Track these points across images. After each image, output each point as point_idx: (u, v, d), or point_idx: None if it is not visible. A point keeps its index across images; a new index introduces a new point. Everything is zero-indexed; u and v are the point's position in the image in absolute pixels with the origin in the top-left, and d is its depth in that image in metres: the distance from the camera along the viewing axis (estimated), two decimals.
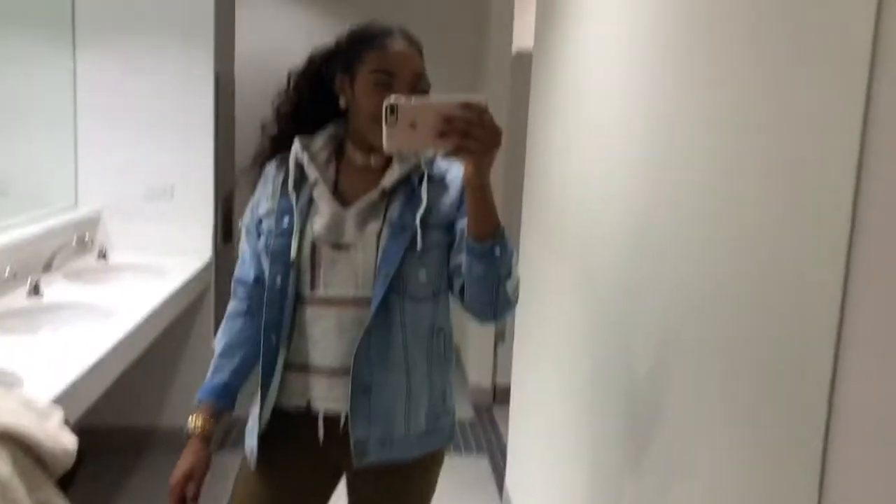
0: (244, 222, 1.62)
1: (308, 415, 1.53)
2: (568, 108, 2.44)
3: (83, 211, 3.37)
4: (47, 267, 2.93)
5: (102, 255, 3.29)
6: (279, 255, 1.49)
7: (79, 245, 3.18)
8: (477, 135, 1.22)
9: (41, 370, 1.84)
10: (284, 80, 1.58)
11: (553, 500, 2.40)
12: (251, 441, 1.57)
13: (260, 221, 1.56)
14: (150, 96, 3.40)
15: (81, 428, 1.57)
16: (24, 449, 1.42)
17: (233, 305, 1.65)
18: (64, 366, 1.89)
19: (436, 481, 1.65)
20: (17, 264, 2.61)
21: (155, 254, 3.40)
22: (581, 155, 2.23)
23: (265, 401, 1.52)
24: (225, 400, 1.60)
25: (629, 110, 1.79)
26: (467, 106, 1.22)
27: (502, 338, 4.48)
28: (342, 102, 1.51)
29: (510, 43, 4.31)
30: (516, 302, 1.47)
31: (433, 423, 1.57)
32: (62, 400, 1.71)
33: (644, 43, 1.72)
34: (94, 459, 3.33)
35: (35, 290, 2.55)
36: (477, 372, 4.53)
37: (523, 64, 4.00)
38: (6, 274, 2.36)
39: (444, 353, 1.58)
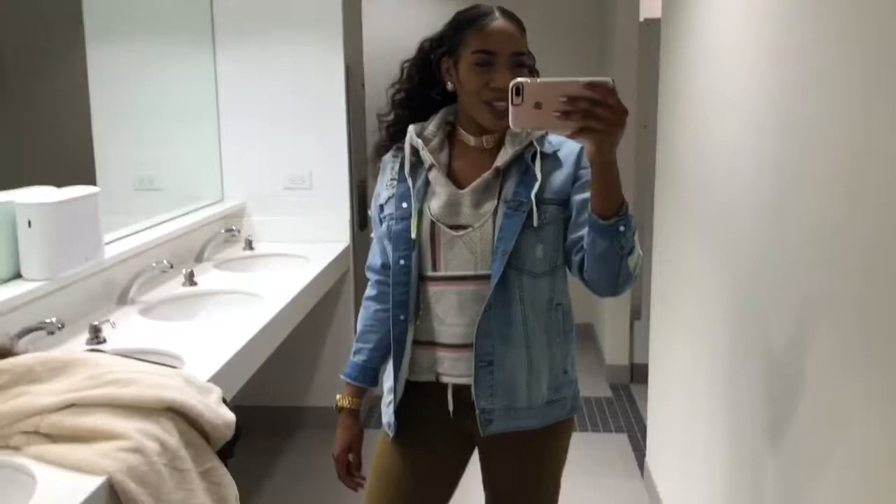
0: (371, 213, 1.70)
1: (438, 387, 1.58)
2: (700, 76, 2.38)
3: (229, 204, 3.57)
4: (199, 257, 3.13)
5: (249, 244, 3.47)
6: (400, 238, 1.55)
7: (227, 236, 3.38)
8: (601, 115, 1.22)
9: (199, 352, 1.98)
10: (398, 70, 1.63)
11: (694, 477, 2.36)
12: (388, 414, 1.64)
13: (381, 209, 1.63)
14: (286, 91, 3.56)
15: (236, 407, 1.68)
16: (189, 422, 1.53)
17: (367, 292, 1.75)
18: (219, 348, 2.02)
19: (565, 451, 1.68)
20: (173, 256, 2.81)
21: (296, 242, 3.56)
22: (719, 126, 2.17)
23: (398, 375, 1.59)
24: (366, 378, 1.72)
25: (765, 77, 1.73)
26: (592, 86, 1.22)
27: (638, 316, 4.41)
28: (449, 86, 1.56)
29: (637, 11, 4.21)
30: (637, 277, 1.46)
31: (555, 393, 1.60)
32: (218, 379, 1.83)
33: (777, 6, 1.65)
34: (247, 439, 3.53)
35: (190, 279, 2.72)
36: (613, 351, 4.48)
37: (651, 32, 3.90)
38: (164, 264, 2.53)
39: (563, 327, 1.60)
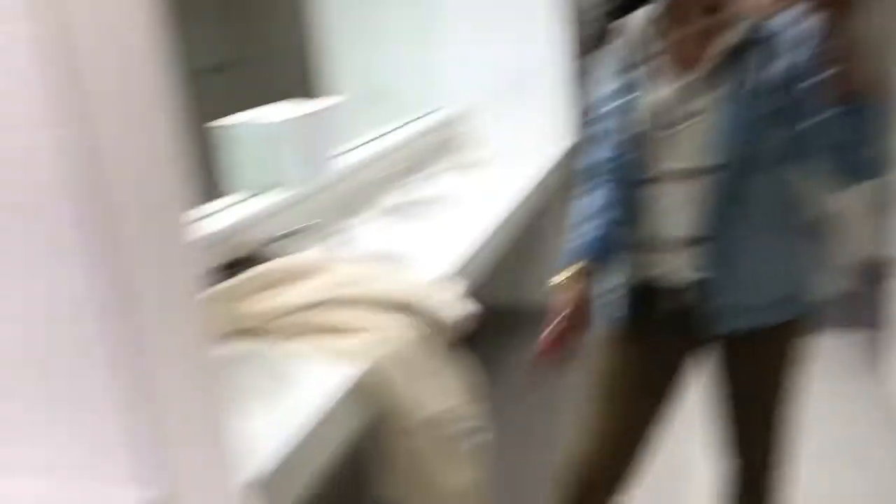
0: (589, 107, 1.65)
1: (662, 287, 1.56)
2: None
3: (454, 109, 3.63)
4: (432, 162, 3.24)
5: (475, 149, 3.53)
6: (627, 131, 1.51)
7: (453, 141, 3.46)
8: None
9: (436, 251, 2.08)
10: None
11: None
12: (617, 309, 1.62)
13: (604, 101, 1.57)
14: None
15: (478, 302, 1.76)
16: (424, 318, 1.62)
17: (581, 189, 1.69)
18: (455, 247, 2.11)
19: (804, 353, 1.61)
20: (407, 161, 2.93)
21: (519, 144, 3.57)
22: None
23: (622, 273, 1.58)
24: (596, 252, 1.60)
25: None
26: None
27: (883, 208, 4.00)
28: None
29: None
30: (884, 169, 1.35)
31: (794, 290, 1.53)
32: (458, 276, 1.91)
33: None
34: (489, 334, 3.69)
35: (428, 182, 2.84)
36: (855, 244, 4.13)
37: None
38: (401, 169, 2.65)
39: (806, 223, 1.51)
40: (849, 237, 4.29)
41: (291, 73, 2.62)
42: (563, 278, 1.59)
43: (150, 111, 0.79)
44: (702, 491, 2.39)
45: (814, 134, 1.38)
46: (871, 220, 4.09)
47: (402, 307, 1.59)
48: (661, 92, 1.48)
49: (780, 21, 1.44)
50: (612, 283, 1.63)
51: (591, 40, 1.65)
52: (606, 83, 1.57)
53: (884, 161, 1.35)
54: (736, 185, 1.44)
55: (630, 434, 1.66)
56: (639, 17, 1.53)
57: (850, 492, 2.43)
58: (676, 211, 1.50)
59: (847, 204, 4.17)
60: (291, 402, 1.35)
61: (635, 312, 1.61)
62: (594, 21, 1.66)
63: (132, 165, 0.78)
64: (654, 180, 1.51)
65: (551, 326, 1.57)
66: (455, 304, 1.69)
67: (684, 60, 1.48)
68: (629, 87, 1.51)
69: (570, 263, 1.60)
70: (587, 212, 1.65)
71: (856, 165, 1.35)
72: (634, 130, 1.50)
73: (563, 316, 1.56)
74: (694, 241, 1.49)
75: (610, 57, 1.58)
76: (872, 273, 4.09)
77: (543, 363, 1.58)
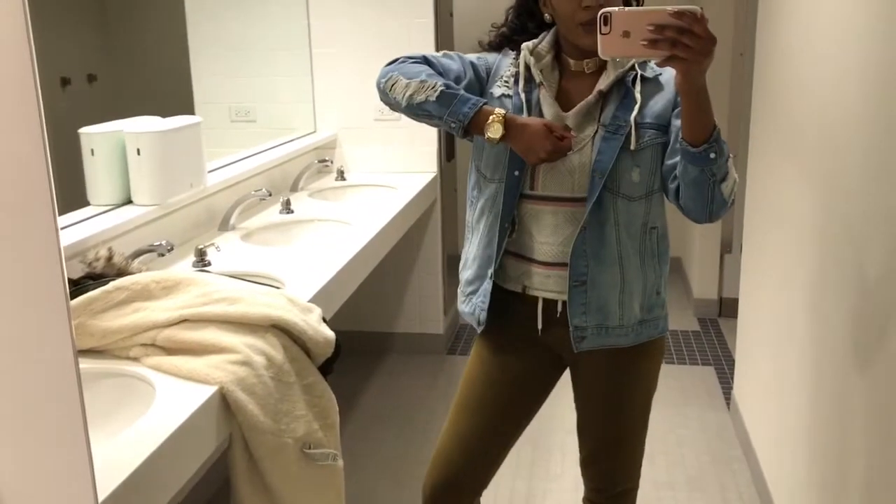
0: (460, 54, 1.66)
1: (526, 299, 1.63)
2: (802, 5, 2.28)
3: (322, 135, 3.64)
4: (294, 187, 3.23)
5: (341, 175, 3.55)
6: (515, 155, 1.55)
7: (320, 166, 3.46)
8: (688, 43, 1.24)
9: (298, 276, 2.07)
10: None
11: (781, 408, 2.35)
12: (477, 306, 1.67)
13: (490, 97, 1.61)
14: (375, 20, 3.56)
15: (332, 330, 1.76)
16: (292, 338, 1.62)
17: (414, 60, 1.61)
18: (317, 272, 2.10)
19: (656, 373, 1.71)
20: (270, 185, 2.91)
21: (386, 172, 3.62)
22: (819, 56, 2.09)
23: (489, 278, 1.64)
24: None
25: (872, 5, 1.66)
26: (679, 14, 1.23)
27: (729, 249, 4.34)
28: (547, 17, 1.59)
29: None
30: (732, 203, 1.47)
31: (647, 313, 1.63)
32: (316, 301, 1.91)
33: None
34: (340, 360, 3.69)
35: (287, 206, 2.82)
36: (702, 285, 4.43)
37: None
38: (263, 192, 2.63)
39: (657, 249, 1.62)
40: (695, 276, 4.59)
41: (161, 88, 2.55)
42: (492, 120, 1.49)
43: (12, 117, 0.76)
44: None
45: (674, 171, 1.49)
46: (715, 260, 4.39)
47: (263, 328, 1.57)
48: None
49: (654, 63, 1.53)
50: (469, 276, 1.69)
51: (486, 43, 1.69)
52: (499, 83, 1.62)
53: (733, 198, 1.46)
54: (600, 214, 1.53)
55: (486, 440, 1.72)
56: (532, 45, 1.59)
57: None
58: (545, 233, 1.57)
59: (696, 244, 4.47)
60: (144, 423, 1.31)
61: (499, 319, 1.66)
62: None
63: None
64: (527, 202, 1.58)
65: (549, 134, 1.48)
66: (317, 327, 1.69)
67: (566, 96, 1.58)
68: (518, 109, 1.57)
69: (483, 107, 1.51)
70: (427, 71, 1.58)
71: (711, 202, 1.45)
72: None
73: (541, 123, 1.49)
74: (557, 264, 1.57)
75: (506, 65, 1.63)
76: (716, 310, 4.39)
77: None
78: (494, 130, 1.48)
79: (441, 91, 1.51)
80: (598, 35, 1.28)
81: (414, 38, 3.56)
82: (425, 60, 1.61)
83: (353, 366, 3.70)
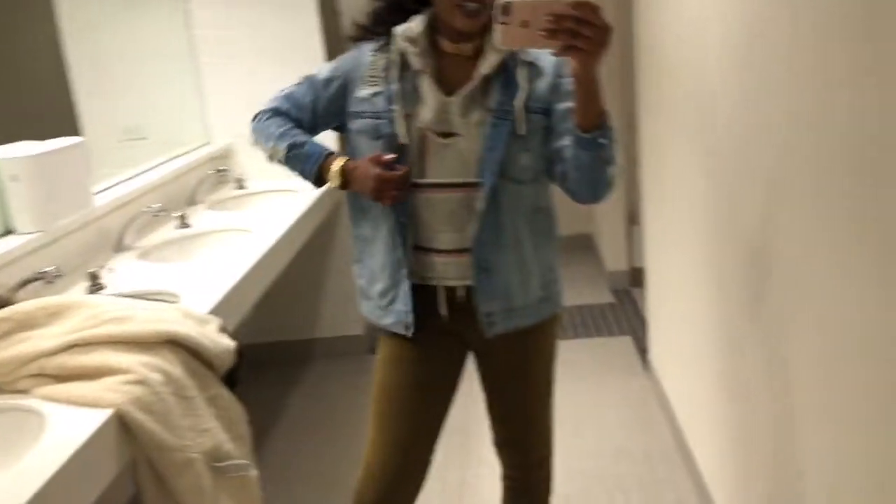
0: (315, 75, 1.67)
1: (428, 290, 1.62)
2: None
3: (217, 145, 3.56)
4: (192, 200, 3.15)
5: (240, 184, 3.48)
6: (390, 140, 1.55)
7: (217, 177, 3.39)
8: (587, 34, 1.24)
9: (196, 289, 2.01)
10: None
11: (692, 367, 2.42)
12: (402, 313, 1.63)
13: (359, 102, 1.60)
14: (258, 26, 3.50)
15: (247, 344, 1.72)
16: (190, 352, 1.58)
17: (268, 115, 1.72)
18: (216, 284, 2.05)
19: (555, 345, 1.75)
20: (166, 200, 2.83)
21: (287, 177, 3.53)
22: (685, 38, 2.15)
23: (405, 279, 1.61)
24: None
25: None
26: (578, 5, 1.23)
27: (635, 221, 4.44)
28: None
29: None
30: (616, 186, 1.50)
31: (545, 290, 1.66)
32: (217, 313, 1.87)
33: None
34: (261, 373, 3.62)
35: (183, 221, 2.75)
36: (613, 257, 4.53)
37: None
38: (157, 208, 2.56)
39: (548, 230, 1.65)
40: (606, 249, 4.67)
41: (39, 111, 2.45)
42: (335, 169, 1.61)
43: None
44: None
45: (560, 153, 1.51)
46: (622, 232, 4.48)
47: (158, 344, 1.52)
48: (425, 109, 1.54)
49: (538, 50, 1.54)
50: (382, 287, 1.65)
51: (356, 32, 1.66)
52: (367, 84, 1.59)
53: (617, 181, 1.48)
54: (494, 200, 1.53)
55: (419, 446, 1.70)
56: (406, 30, 1.56)
57: (621, 474, 2.64)
58: (443, 221, 1.57)
59: (604, 219, 4.55)
60: (33, 456, 1.25)
61: (414, 312, 1.63)
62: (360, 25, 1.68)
63: None
64: (417, 191, 1.56)
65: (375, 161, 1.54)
66: (215, 339, 1.65)
67: (447, 81, 1.55)
68: (394, 98, 1.55)
69: (327, 155, 1.64)
70: (280, 125, 1.70)
71: (598, 185, 1.48)
72: (397, 140, 1.54)
73: (372, 160, 1.54)
74: (456, 251, 1.57)
75: (369, 61, 1.60)
76: (628, 281, 4.49)
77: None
78: (334, 182, 1.61)
79: (285, 156, 1.68)
80: (498, 24, 1.27)
81: (300, 40, 3.51)
82: (276, 113, 1.71)
83: (278, 376, 3.64)
